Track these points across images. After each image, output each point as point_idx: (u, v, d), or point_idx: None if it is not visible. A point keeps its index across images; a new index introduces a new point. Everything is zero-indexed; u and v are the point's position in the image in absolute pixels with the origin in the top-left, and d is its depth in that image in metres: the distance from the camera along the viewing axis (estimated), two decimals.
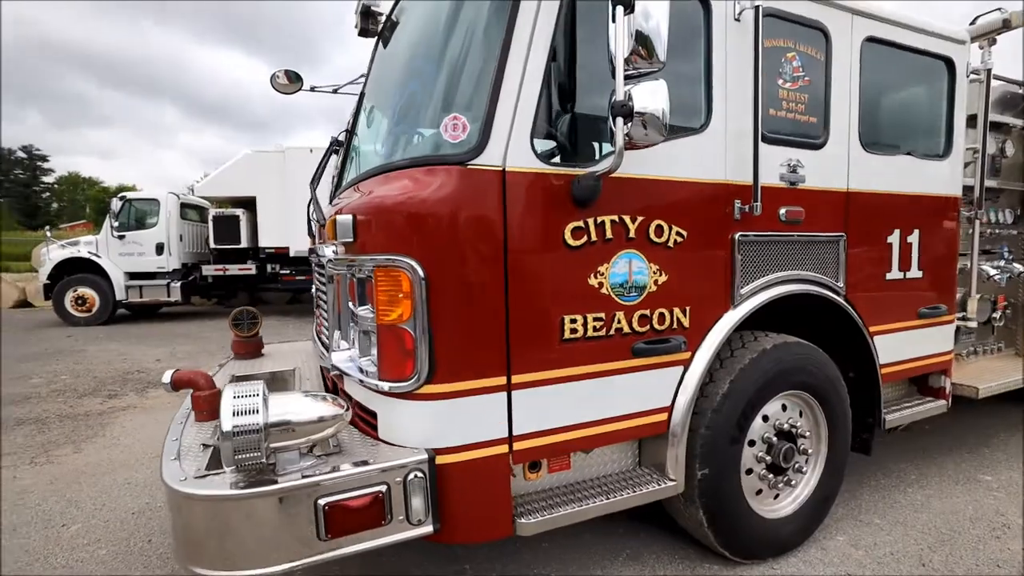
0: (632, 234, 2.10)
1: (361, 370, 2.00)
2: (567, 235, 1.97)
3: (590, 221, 2.01)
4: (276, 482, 1.61)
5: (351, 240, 1.94)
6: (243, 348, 3.49)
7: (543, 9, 1.89)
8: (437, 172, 1.83)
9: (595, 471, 2.31)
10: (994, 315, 3.98)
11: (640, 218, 2.12)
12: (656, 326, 2.19)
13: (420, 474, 1.76)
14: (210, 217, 11.32)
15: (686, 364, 2.29)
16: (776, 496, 2.65)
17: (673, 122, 2.16)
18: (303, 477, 1.63)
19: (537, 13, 1.88)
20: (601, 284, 2.06)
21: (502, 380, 1.90)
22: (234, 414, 1.52)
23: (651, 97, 1.73)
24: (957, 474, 3.60)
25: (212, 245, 11.24)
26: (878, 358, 2.89)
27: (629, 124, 1.75)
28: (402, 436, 1.88)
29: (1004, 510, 3.11)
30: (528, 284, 1.92)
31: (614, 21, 1.72)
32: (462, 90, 1.96)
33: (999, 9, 3.04)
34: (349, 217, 1.92)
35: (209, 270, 11.36)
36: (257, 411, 1.54)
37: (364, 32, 2.90)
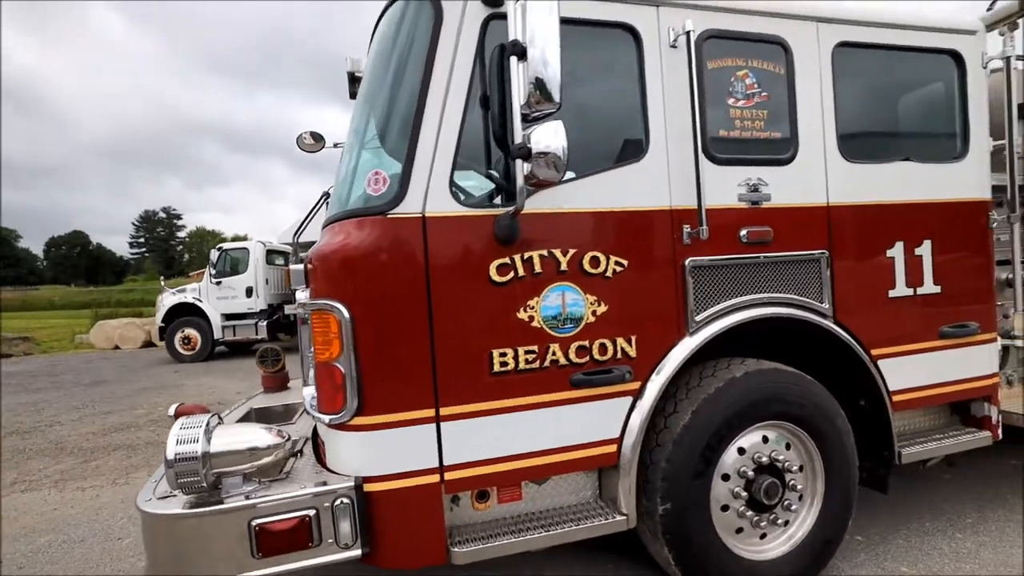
0: (564, 267, 2.14)
1: (313, 404, 2.20)
2: (492, 272, 2.06)
3: (516, 257, 2.09)
4: (218, 504, 1.83)
5: (305, 286, 2.17)
6: (271, 383, 3.86)
7: (457, 66, 2.04)
8: (364, 223, 2.02)
9: (548, 503, 2.31)
10: None
11: (572, 251, 2.15)
12: (597, 356, 2.18)
13: (347, 500, 1.90)
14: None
15: (635, 394, 2.24)
16: (763, 536, 2.45)
17: (607, 153, 2.22)
18: (240, 500, 1.84)
19: (451, 72, 2.04)
20: (532, 318, 2.11)
21: (430, 412, 2.00)
22: (177, 443, 1.76)
23: (549, 137, 1.81)
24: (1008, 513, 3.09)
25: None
26: (886, 384, 2.62)
27: (529, 165, 1.83)
28: (340, 465, 2.04)
29: None
30: (453, 321, 2.02)
31: (509, 70, 1.83)
32: (387, 144, 2.15)
33: None
34: (300, 266, 2.15)
35: (291, 309, 12.51)
36: (197, 441, 1.78)
37: (353, 95, 3.23)
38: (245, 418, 3.03)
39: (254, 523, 1.81)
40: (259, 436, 1.91)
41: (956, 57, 2.79)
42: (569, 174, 2.13)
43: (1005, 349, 3.02)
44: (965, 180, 2.80)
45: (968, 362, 2.80)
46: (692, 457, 2.28)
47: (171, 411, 2.55)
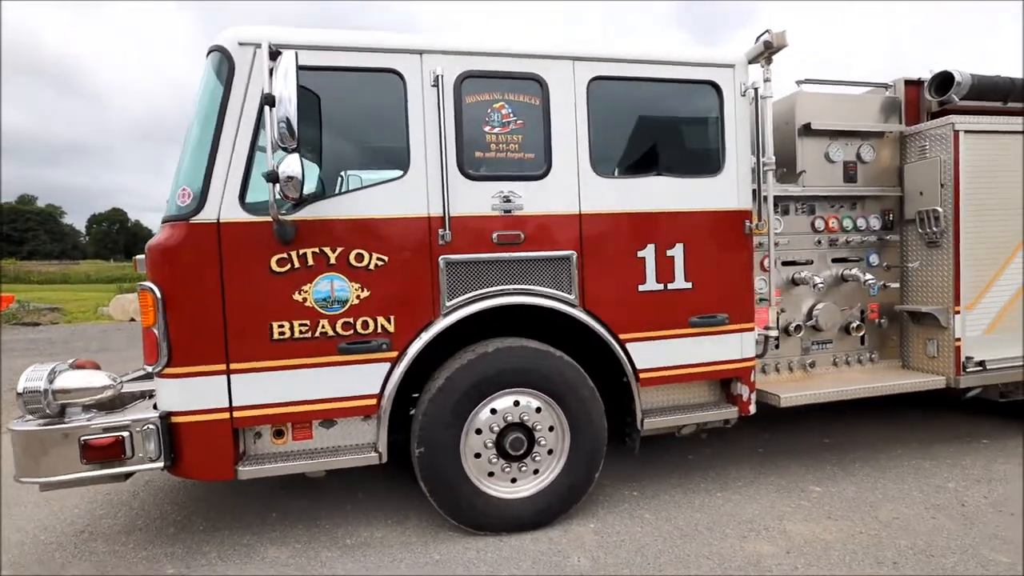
0: (333, 261, 2.78)
1: None
2: (273, 264, 2.72)
3: (293, 253, 2.74)
4: (59, 424, 2.57)
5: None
6: None
7: (246, 108, 2.68)
8: (174, 227, 2.69)
9: (335, 442, 2.97)
10: (851, 325, 3.84)
11: (340, 248, 2.79)
12: (360, 331, 2.82)
13: (152, 426, 2.61)
14: None
15: (394, 361, 2.88)
16: (513, 480, 3.07)
17: (377, 172, 2.84)
18: (75, 422, 2.57)
19: (241, 111, 2.68)
20: (305, 299, 2.76)
21: (222, 367, 2.69)
22: (25, 380, 2.51)
23: (291, 167, 2.44)
24: (782, 480, 3.61)
25: None
26: (633, 363, 3.17)
27: (278, 186, 2.47)
28: (160, 403, 2.75)
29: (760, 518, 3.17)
30: (241, 300, 2.69)
31: (264, 114, 2.47)
32: (195, 166, 2.79)
33: (767, 31, 3.15)
34: (143, 256, 2.85)
35: None
36: (41, 379, 2.51)
37: None
38: (144, 378, 3.78)
39: (82, 438, 2.54)
40: (95, 378, 2.64)
41: (715, 87, 3.25)
42: (359, 181, 2.76)
43: (766, 339, 3.48)
44: (721, 192, 3.28)
45: (718, 347, 3.31)
46: (444, 412, 2.91)
47: (69, 363, 3.31)
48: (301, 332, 2.76)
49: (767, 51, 3.19)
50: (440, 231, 2.88)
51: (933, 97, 3.91)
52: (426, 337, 2.88)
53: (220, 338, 2.68)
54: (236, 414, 2.72)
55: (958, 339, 3.67)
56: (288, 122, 2.40)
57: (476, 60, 2.94)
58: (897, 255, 4.00)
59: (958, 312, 3.66)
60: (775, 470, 3.81)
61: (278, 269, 2.73)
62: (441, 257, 2.90)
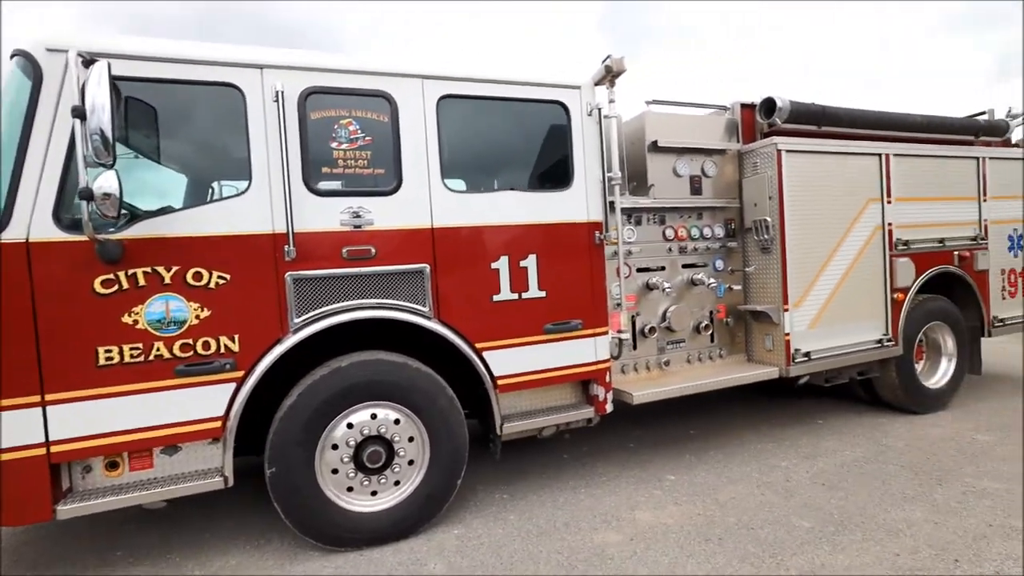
0: (168, 280, 2.67)
1: None
2: (97, 285, 2.56)
3: (120, 273, 2.60)
4: None
5: None
6: None
7: (59, 119, 2.52)
8: None
9: (179, 469, 2.84)
10: (702, 325, 4.22)
11: (176, 267, 2.68)
12: (200, 351, 2.73)
13: None
14: None
15: (240, 381, 2.81)
16: (374, 493, 3.08)
17: (218, 188, 2.74)
18: None
19: (53, 123, 2.52)
20: (136, 321, 2.63)
21: (36, 398, 2.50)
22: None
23: (106, 183, 2.32)
24: (643, 472, 3.89)
25: None
26: (491, 371, 3.28)
27: (92, 204, 2.35)
28: None
29: (613, 508, 3.41)
30: (56, 325, 2.52)
31: (77, 129, 2.33)
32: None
33: (608, 56, 3.41)
34: None
35: None
36: None
37: None
38: None
39: None
40: None
41: (563, 106, 3.47)
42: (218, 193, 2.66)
43: (620, 342, 3.73)
44: (571, 205, 3.49)
45: (574, 352, 3.51)
46: (296, 429, 2.87)
47: None
48: (132, 356, 2.63)
49: (608, 75, 3.45)
50: (285, 247, 2.85)
51: (763, 119, 4.39)
52: (274, 355, 2.84)
53: (32, 368, 2.49)
54: (54, 448, 2.53)
55: (787, 334, 4.13)
56: (102, 135, 2.30)
57: (321, 76, 2.95)
58: (739, 260, 4.43)
59: (787, 310, 4.12)
60: (639, 463, 4.09)
61: (103, 291, 2.58)
62: (288, 273, 2.87)
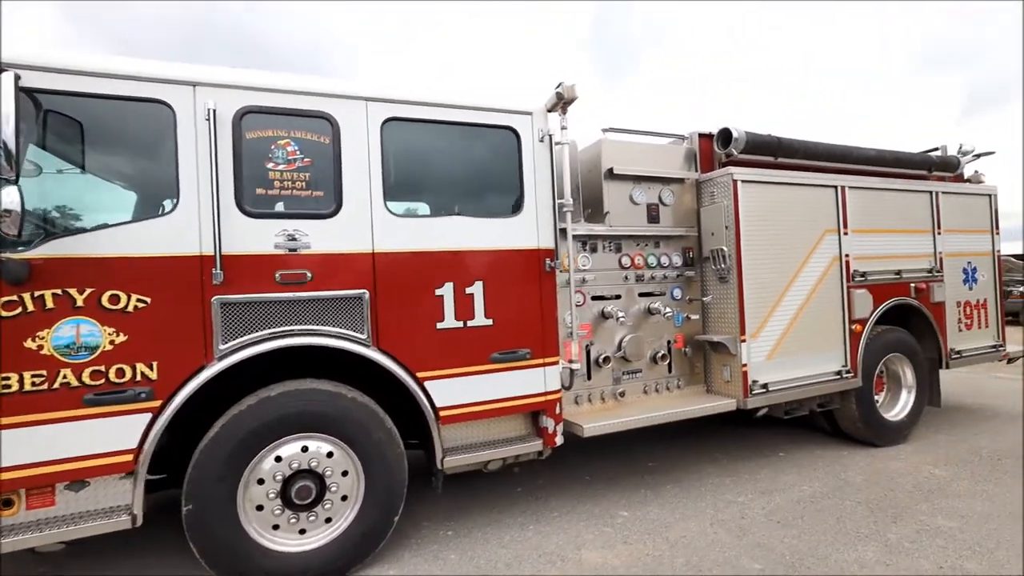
0: (80, 303, 2.52)
1: None
2: None
3: (26, 295, 2.44)
4: None
5: None
6: None
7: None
8: None
9: (84, 506, 2.63)
10: (658, 354, 4.14)
11: (90, 289, 2.53)
12: (113, 379, 2.56)
13: None
14: None
15: (157, 411, 2.63)
16: (302, 531, 2.89)
17: (142, 208, 2.61)
18: None
19: None
20: (41, 347, 2.46)
21: None
22: None
23: (7, 199, 2.19)
24: (596, 507, 3.74)
25: None
26: (432, 402, 3.15)
27: None
28: None
29: (559, 548, 3.26)
30: None
31: None
32: None
33: (560, 83, 3.40)
34: None
35: None
36: None
37: None
38: None
39: None
40: None
41: (514, 132, 3.43)
42: (127, 216, 2.53)
43: (572, 372, 3.63)
44: (521, 232, 3.42)
45: (521, 382, 3.39)
46: (217, 464, 2.69)
47: None
48: (34, 384, 2.45)
49: (560, 101, 3.43)
50: (213, 270, 2.72)
51: (720, 150, 4.41)
52: (196, 383, 2.67)
53: None
54: None
55: (745, 365, 4.07)
56: (5, 149, 2.18)
57: (259, 96, 2.87)
58: (698, 289, 4.39)
59: (744, 340, 4.07)
60: (593, 497, 3.94)
61: (5, 313, 2.41)
62: (215, 298, 2.73)
